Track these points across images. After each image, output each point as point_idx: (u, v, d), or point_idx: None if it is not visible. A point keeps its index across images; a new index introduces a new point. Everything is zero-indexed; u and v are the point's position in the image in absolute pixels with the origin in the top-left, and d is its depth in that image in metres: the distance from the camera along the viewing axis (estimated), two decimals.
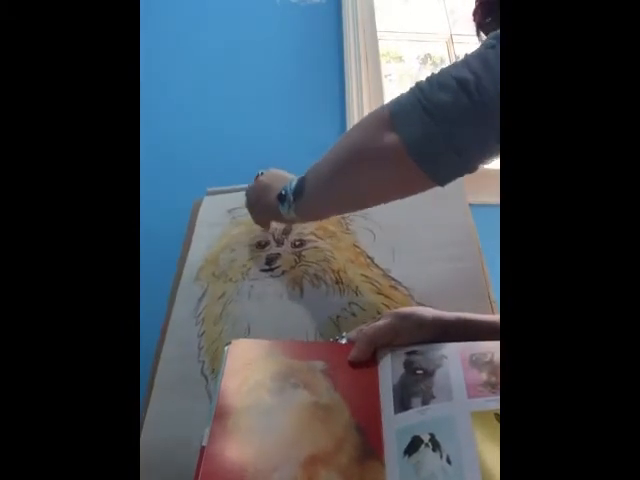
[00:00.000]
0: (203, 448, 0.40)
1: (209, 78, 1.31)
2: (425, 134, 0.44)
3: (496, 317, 0.51)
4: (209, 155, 1.17)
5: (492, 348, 0.42)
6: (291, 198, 0.59)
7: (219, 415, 0.42)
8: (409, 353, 0.45)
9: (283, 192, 0.60)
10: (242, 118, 1.24)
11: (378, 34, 1.43)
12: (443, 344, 0.45)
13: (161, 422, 0.58)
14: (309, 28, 1.40)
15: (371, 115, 0.51)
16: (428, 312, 0.50)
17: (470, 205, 0.71)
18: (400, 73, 1.65)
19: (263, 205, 0.67)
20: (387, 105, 0.50)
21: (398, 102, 0.48)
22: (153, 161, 1.09)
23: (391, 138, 0.47)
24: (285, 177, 0.65)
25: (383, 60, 1.47)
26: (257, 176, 0.70)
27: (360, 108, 1.23)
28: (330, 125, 1.22)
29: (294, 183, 0.60)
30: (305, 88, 1.29)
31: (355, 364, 0.47)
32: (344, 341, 0.51)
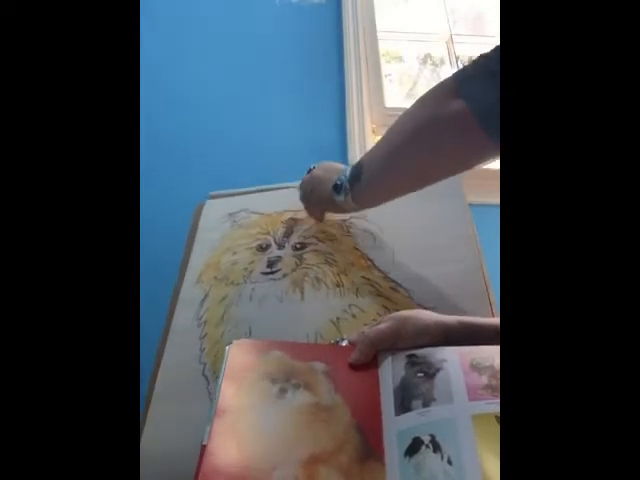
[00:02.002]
0: (204, 446, 0.40)
1: (209, 79, 1.31)
2: (492, 97, 0.43)
3: (498, 320, 0.51)
4: (210, 158, 1.18)
5: (493, 352, 0.42)
6: (347, 186, 0.60)
7: (220, 413, 0.42)
8: (410, 356, 0.46)
9: (338, 182, 0.61)
10: (242, 119, 1.24)
11: (378, 34, 1.43)
12: (443, 348, 0.45)
13: (163, 423, 0.58)
14: (309, 28, 1.40)
15: (436, 87, 0.51)
16: (430, 316, 0.49)
17: (470, 205, 0.72)
18: (400, 73, 1.65)
19: (317, 197, 0.68)
20: (452, 74, 0.49)
21: (463, 70, 0.48)
22: (155, 165, 1.09)
23: (457, 104, 0.47)
24: (338, 168, 0.66)
25: (383, 60, 1.47)
26: (310, 170, 0.71)
27: (360, 108, 1.23)
28: (330, 125, 1.22)
29: (349, 171, 0.60)
30: (305, 88, 1.29)
31: (356, 366, 0.47)
32: (345, 343, 0.51)
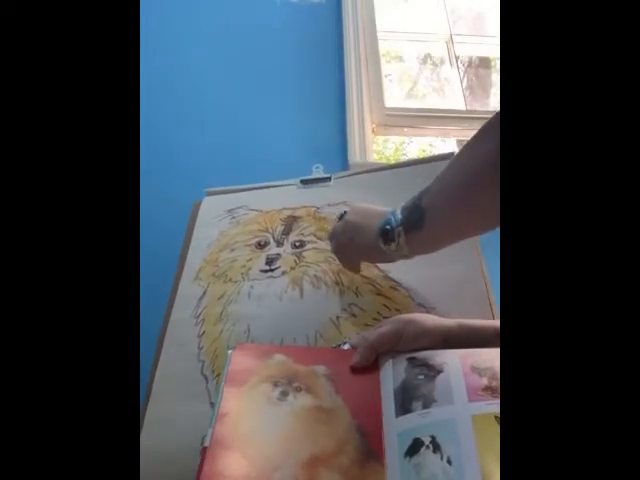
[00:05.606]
0: (205, 449, 0.41)
1: (209, 78, 1.31)
2: None
3: (497, 323, 0.51)
4: (209, 157, 1.18)
5: (493, 355, 0.42)
6: (400, 232, 0.52)
7: (221, 416, 0.43)
8: (410, 359, 0.46)
9: (387, 227, 0.53)
10: (242, 118, 1.24)
11: (378, 34, 1.43)
12: (444, 350, 0.45)
13: (161, 422, 0.58)
14: (309, 28, 1.40)
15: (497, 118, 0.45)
16: (430, 319, 0.50)
17: None
18: (400, 73, 1.65)
19: (357, 246, 0.59)
20: None
21: None
22: (153, 162, 1.09)
23: None
24: (377, 212, 0.58)
25: (383, 60, 1.47)
26: (341, 216, 0.63)
27: (360, 108, 1.23)
28: (330, 125, 1.22)
29: (401, 216, 0.52)
30: (305, 88, 1.29)
31: (357, 369, 0.47)
32: (347, 347, 0.52)
